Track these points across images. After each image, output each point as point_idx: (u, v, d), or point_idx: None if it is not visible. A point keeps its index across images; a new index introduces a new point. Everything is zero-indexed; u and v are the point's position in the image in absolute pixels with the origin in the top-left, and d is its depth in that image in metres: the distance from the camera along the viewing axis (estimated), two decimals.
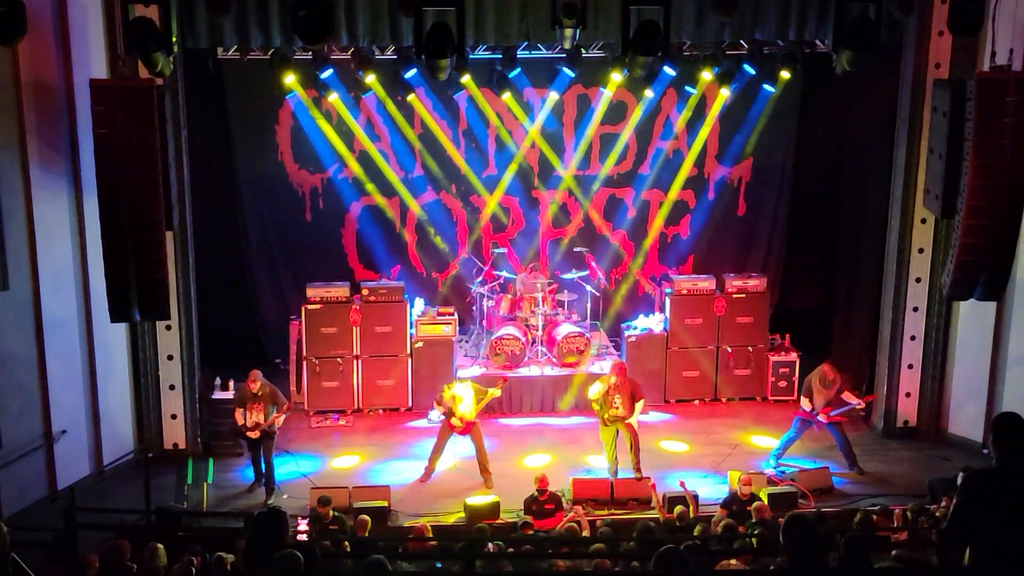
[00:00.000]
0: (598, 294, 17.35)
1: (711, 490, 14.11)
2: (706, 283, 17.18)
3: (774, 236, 18.56)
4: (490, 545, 11.04)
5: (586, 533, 12.35)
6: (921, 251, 15.62)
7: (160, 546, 10.56)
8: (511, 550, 11.04)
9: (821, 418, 14.65)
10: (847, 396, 14.73)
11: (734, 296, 17.09)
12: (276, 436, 14.46)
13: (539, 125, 17.80)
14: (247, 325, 17.93)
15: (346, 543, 11.93)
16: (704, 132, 17.94)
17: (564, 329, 17.09)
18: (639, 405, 14.38)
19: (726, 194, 18.32)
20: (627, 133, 17.95)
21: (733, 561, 10.70)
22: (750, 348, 17.16)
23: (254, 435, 14.16)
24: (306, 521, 12.84)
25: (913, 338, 15.91)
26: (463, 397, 14.35)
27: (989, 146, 12.86)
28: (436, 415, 15.06)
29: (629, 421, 14.30)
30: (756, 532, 11.76)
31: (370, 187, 17.78)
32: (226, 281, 17.63)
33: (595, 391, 14.39)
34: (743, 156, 18.16)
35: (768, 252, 18.57)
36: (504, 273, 17.55)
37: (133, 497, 13.73)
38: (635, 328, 17.28)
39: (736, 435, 16.00)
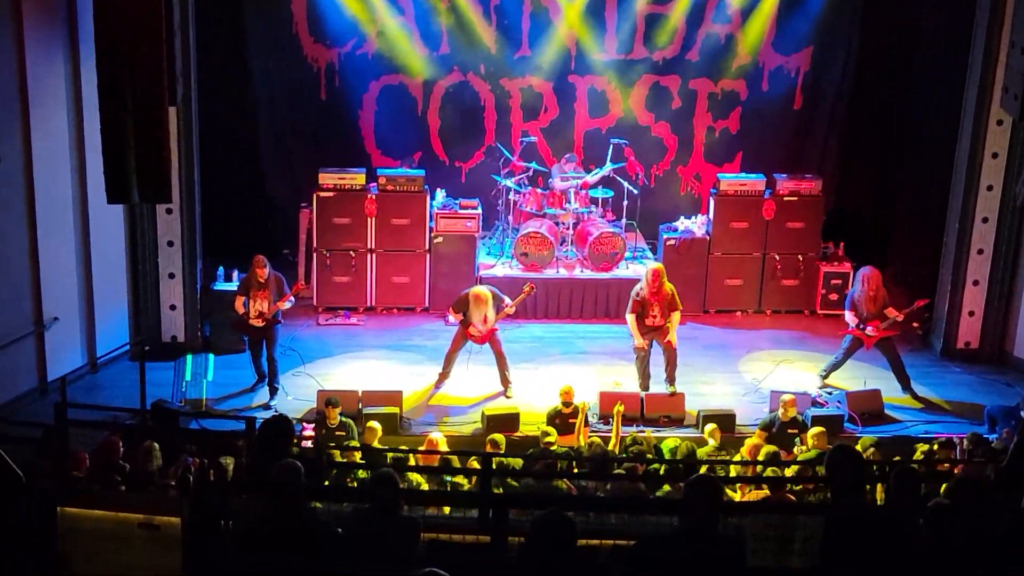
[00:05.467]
0: (636, 192, 17.22)
1: (749, 410, 14.16)
2: (755, 183, 17.03)
3: (832, 134, 18.31)
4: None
5: (613, 445, 12.43)
6: (995, 156, 15.37)
7: (155, 445, 10.71)
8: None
9: (870, 331, 14.52)
10: (890, 311, 14.53)
11: (785, 199, 16.96)
12: (280, 329, 14.50)
13: (579, 2, 17.49)
14: (253, 211, 17.92)
15: (355, 452, 12.08)
16: (761, 16, 17.62)
17: (597, 229, 17.01)
18: (675, 317, 14.31)
19: (782, 86, 18.05)
20: (676, 14, 17.63)
21: (764, 490, 10.79)
22: (800, 256, 17.08)
23: (259, 324, 14.21)
24: (312, 426, 12.95)
25: (980, 252, 15.76)
26: (481, 304, 14.28)
27: None
28: (454, 319, 15.06)
29: (668, 338, 14.25)
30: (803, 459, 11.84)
31: (391, 65, 17.60)
32: (232, 163, 17.56)
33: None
34: (802, 44, 17.84)
35: (824, 151, 18.35)
36: (534, 165, 17.43)
37: (127, 392, 13.86)
38: (675, 231, 17.19)
39: (780, 351, 15.99)
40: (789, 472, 11.77)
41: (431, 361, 15.20)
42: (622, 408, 12.83)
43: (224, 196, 17.14)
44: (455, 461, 11.73)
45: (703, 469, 11.37)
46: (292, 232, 17.30)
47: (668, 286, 14.32)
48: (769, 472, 11.67)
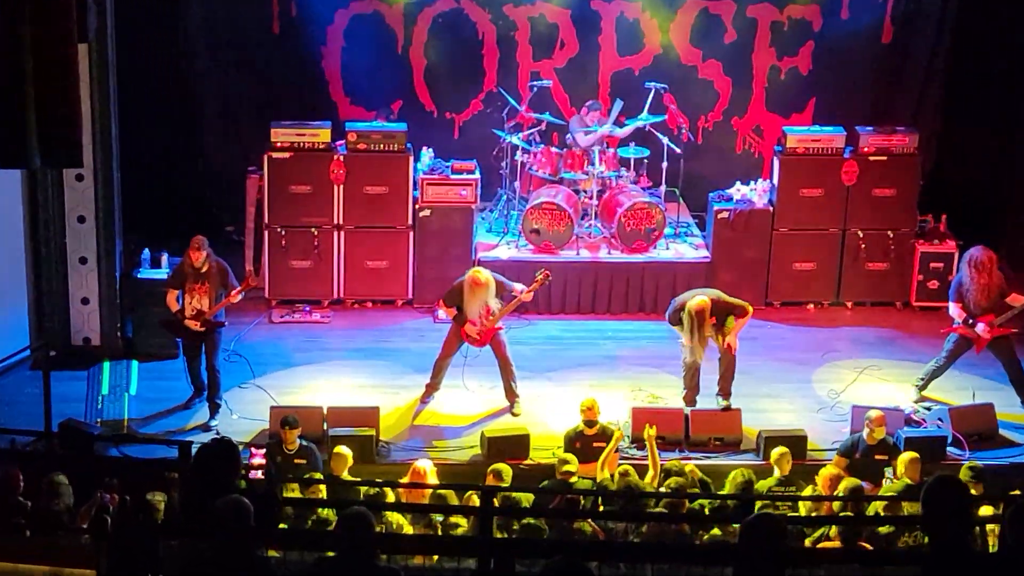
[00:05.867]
0: (678, 150, 17.21)
1: (825, 429, 14.21)
2: (832, 139, 17.04)
3: (932, 76, 18.30)
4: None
5: (650, 479, 12.48)
6: None
7: (63, 479, 10.74)
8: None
9: (981, 329, 14.56)
10: (1013, 299, 14.56)
11: (871, 158, 16.95)
12: (223, 332, 14.55)
13: None
14: (188, 177, 17.95)
15: (318, 485, 12.11)
16: None
17: (629, 198, 17.03)
18: (733, 322, 14.27)
19: (866, 13, 18.04)
20: None
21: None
22: (890, 233, 17.08)
23: (195, 326, 14.24)
24: (262, 452, 12.98)
25: None
26: (480, 295, 14.30)
27: None
28: (445, 314, 15.09)
29: (728, 339, 14.26)
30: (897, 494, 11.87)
31: None
32: (160, 116, 17.57)
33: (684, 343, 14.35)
34: None
35: (922, 99, 18.34)
36: (547, 117, 17.43)
37: (28, 410, 13.89)
38: (729, 200, 17.20)
39: (864, 355, 16.02)
40: (875, 510, 11.78)
41: (416, 369, 15.21)
42: (654, 432, 12.86)
43: (150, 159, 17.15)
44: (449, 497, 11.74)
45: (763, 506, 11.37)
46: (237, 204, 17.32)
47: (725, 304, 14.31)
48: (850, 510, 11.68)
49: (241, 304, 15.20)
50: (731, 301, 14.39)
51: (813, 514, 11.89)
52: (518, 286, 14.50)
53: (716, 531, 11.03)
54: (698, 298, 14.17)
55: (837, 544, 10.97)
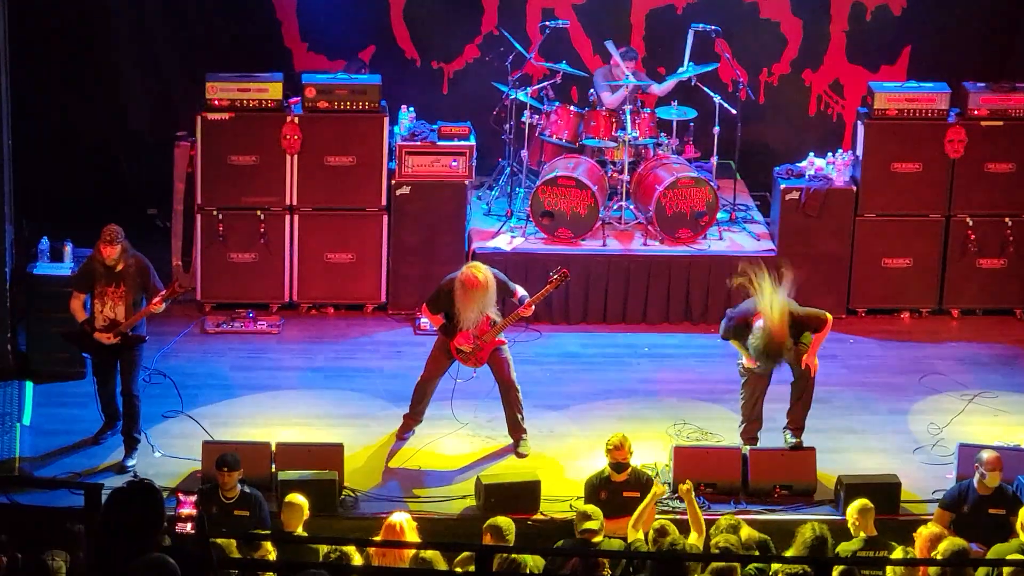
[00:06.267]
0: (734, 111, 17.24)
1: (924, 475, 14.23)
2: (932, 98, 17.05)
3: None
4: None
5: (695, 540, 12.45)
6: None
7: None
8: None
9: None
10: None
11: (983, 124, 17.01)
12: (144, 348, 14.53)
13: None
14: (98, 146, 17.98)
15: (265, 543, 12.08)
16: None
17: (671, 173, 17.03)
18: (810, 337, 14.17)
19: None
20: None
21: None
22: (1008, 221, 17.13)
23: (108, 340, 14.22)
24: (193, 500, 12.92)
25: None
26: (476, 298, 14.27)
27: None
28: (430, 323, 15.06)
29: (805, 359, 14.17)
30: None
31: None
32: (64, 68, 17.62)
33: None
34: None
35: None
36: (564, 67, 17.45)
37: None
38: (800, 177, 17.21)
39: (974, 379, 16.01)
40: None
41: (391, 396, 15.24)
42: (690, 486, 12.85)
43: (50, 123, 17.19)
44: (434, 561, 11.70)
45: (842, 572, 11.32)
46: (162, 180, 17.31)
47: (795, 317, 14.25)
48: None
49: (167, 310, 15.09)
50: (803, 313, 14.29)
51: None
52: (520, 290, 14.45)
53: None
54: (774, 309, 14.00)
55: None
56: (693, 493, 12.80)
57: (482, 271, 14.34)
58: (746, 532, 12.50)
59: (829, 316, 14.37)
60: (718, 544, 11.99)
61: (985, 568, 11.87)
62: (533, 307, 14.55)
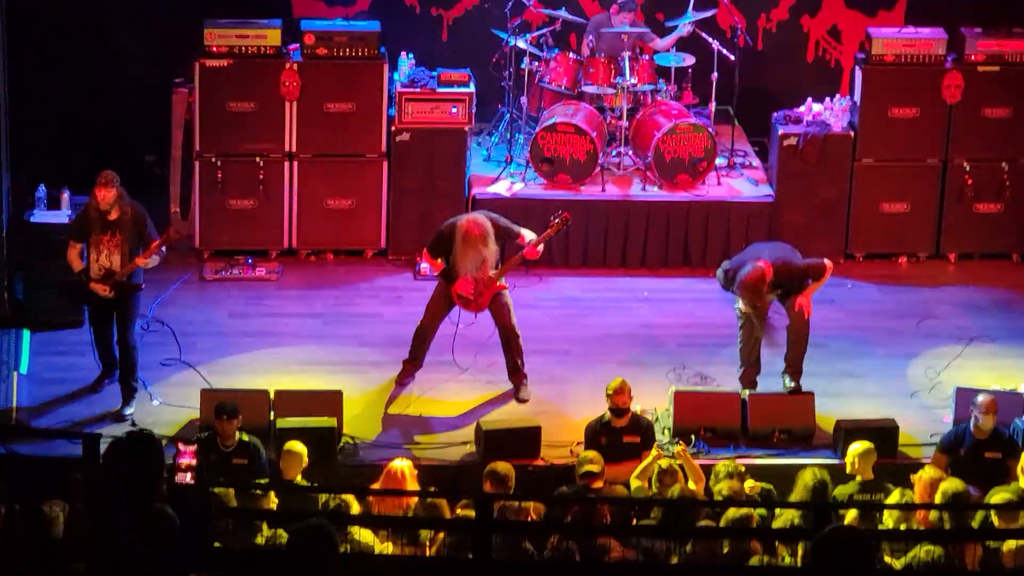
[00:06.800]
0: (732, 57, 17.22)
1: (921, 419, 14.26)
2: (929, 43, 17.05)
3: None
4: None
5: (694, 485, 12.49)
6: None
7: None
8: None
9: None
10: None
11: (980, 68, 17.02)
12: (141, 296, 14.53)
13: None
14: (94, 93, 17.92)
15: (268, 493, 12.10)
16: None
17: (669, 119, 17.00)
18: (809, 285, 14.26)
19: None
20: None
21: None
22: (1005, 165, 17.14)
23: (104, 291, 14.21)
24: (192, 449, 12.94)
25: None
26: (476, 243, 14.26)
27: None
28: (430, 268, 15.05)
29: (799, 301, 14.20)
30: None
31: None
32: (58, 11, 17.54)
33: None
34: None
35: None
36: (563, 13, 17.41)
37: None
38: (799, 123, 17.19)
39: (971, 322, 16.05)
40: (983, 520, 11.78)
41: (390, 341, 15.24)
42: (682, 447, 12.94)
43: (44, 68, 17.14)
44: (439, 506, 11.73)
45: (845, 517, 11.32)
46: (160, 127, 17.30)
47: (796, 268, 14.28)
48: (952, 522, 11.67)
49: (164, 257, 15.09)
50: (804, 264, 14.30)
51: (903, 527, 11.86)
52: (527, 233, 14.46)
53: (784, 551, 10.96)
54: (751, 265, 14.04)
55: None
56: (688, 452, 12.85)
57: (481, 217, 14.38)
58: (749, 483, 12.55)
59: (829, 264, 14.40)
60: (721, 491, 12.03)
61: (982, 511, 11.93)
62: (540, 248, 14.58)
